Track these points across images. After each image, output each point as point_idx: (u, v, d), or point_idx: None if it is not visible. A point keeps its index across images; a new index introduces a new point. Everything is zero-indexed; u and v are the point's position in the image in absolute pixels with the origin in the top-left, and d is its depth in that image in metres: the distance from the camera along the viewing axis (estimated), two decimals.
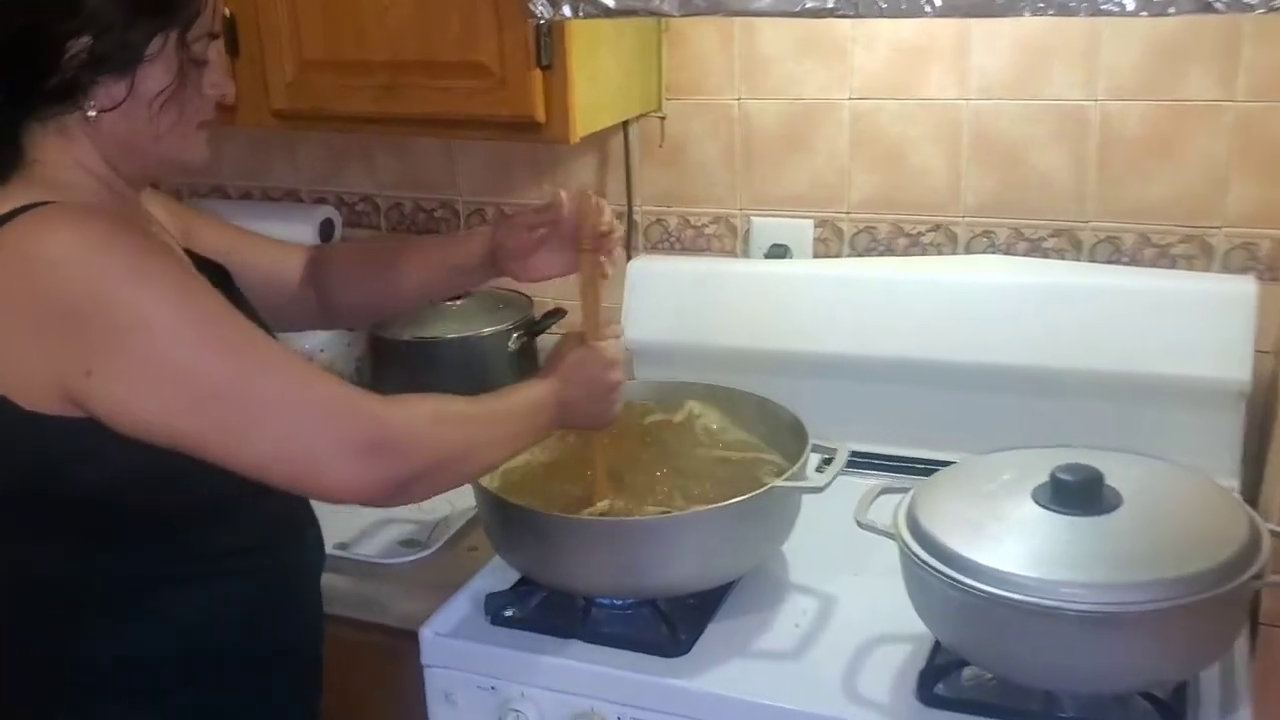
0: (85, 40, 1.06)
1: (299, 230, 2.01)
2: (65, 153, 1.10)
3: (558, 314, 1.97)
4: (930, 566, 1.17)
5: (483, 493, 1.40)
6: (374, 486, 1.06)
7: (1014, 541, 1.17)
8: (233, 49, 1.64)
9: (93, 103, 1.09)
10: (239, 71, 1.65)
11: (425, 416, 1.13)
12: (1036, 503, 1.21)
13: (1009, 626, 1.14)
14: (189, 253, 1.23)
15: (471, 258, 1.44)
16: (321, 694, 1.32)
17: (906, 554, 1.21)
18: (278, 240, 1.48)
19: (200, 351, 1.02)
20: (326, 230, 2.07)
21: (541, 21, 1.43)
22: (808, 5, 1.28)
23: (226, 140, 2.11)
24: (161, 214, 1.28)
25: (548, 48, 1.53)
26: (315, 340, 1.97)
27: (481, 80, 1.58)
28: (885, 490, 1.33)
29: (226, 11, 1.59)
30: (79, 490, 1.07)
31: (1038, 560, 1.14)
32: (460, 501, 1.60)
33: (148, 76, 1.09)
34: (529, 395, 1.27)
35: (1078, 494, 1.19)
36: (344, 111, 1.70)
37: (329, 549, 1.36)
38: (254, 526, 1.19)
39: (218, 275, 1.24)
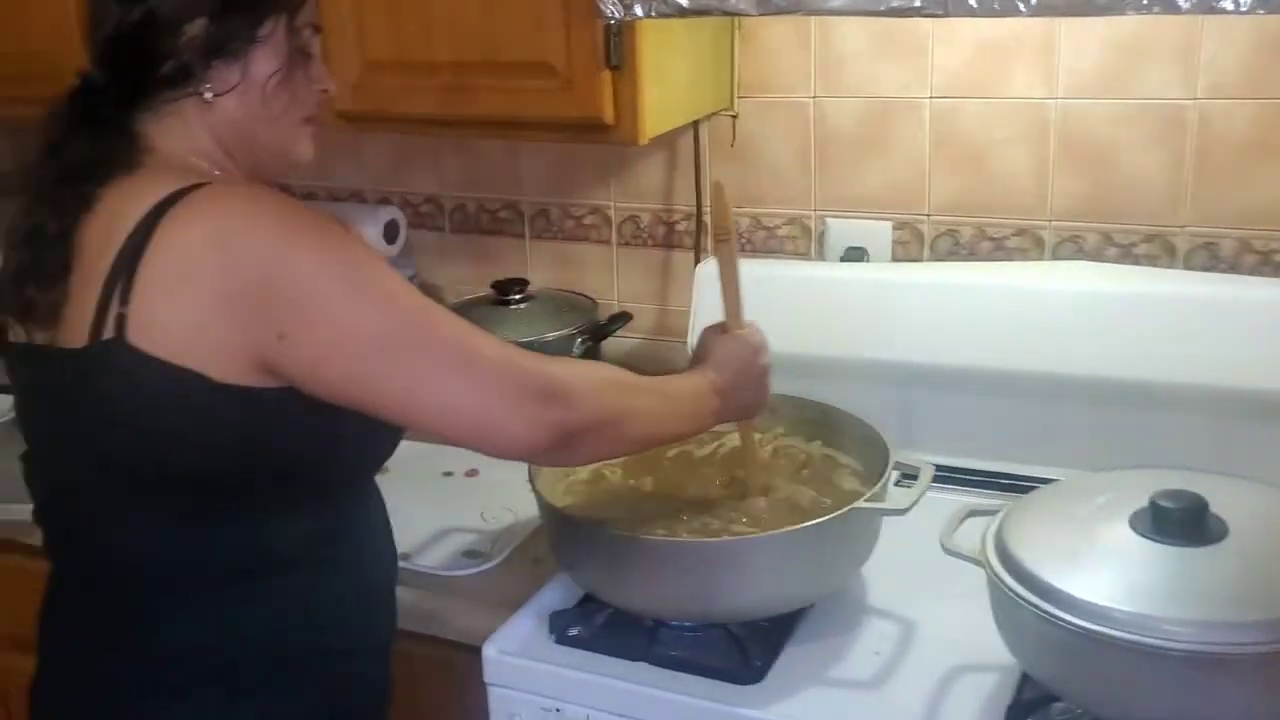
0: (201, 23, 1.10)
1: (364, 232, 1.98)
2: (181, 140, 1.13)
3: (624, 318, 1.93)
4: (1021, 598, 1.11)
5: (547, 507, 1.36)
6: (542, 434, 1.08)
7: (1111, 573, 1.11)
8: None
9: (208, 85, 1.12)
10: None
11: (592, 374, 1.17)
12: (1135, 531, 1.14)
13: (1104, 664, 1.07)
14: None
15: None
16: (391, 703, 1.30)
17: (996, 583, 1.15)
18: None
19: (376, 310, 1.05)
20: (391, 231, 2.04)
21: (612, 21, 1.40)
22: (893, 4, 1.22)
23: None
24: None
25: (617, 48, 1.50)
26: None
27: (548, 81, 1.55)
28: (972, 513, 1.27)
29: None
30: (257, 461, 1.08)
31: (1136, 594, 1.07)
32: (524, 511, 1.57)
33: (259, 59, 1.13)
34: (690, 383, 1.27)
35: (1180, 522, 1.12)
36: (408, 113, 1.68)
37: None
38: (349, 512, 1.21)
39: None
